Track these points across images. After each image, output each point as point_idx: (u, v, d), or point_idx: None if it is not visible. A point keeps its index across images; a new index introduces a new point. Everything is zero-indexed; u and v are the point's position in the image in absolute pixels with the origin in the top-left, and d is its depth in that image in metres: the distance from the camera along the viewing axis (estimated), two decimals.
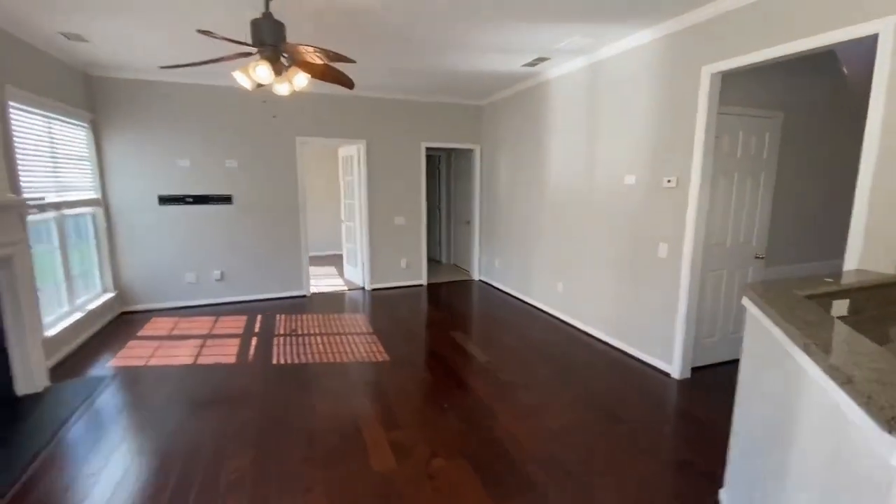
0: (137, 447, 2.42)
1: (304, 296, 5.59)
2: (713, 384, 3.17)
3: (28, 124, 3.42)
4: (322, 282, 6.38)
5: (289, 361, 3.58)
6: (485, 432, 2.55)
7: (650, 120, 3.39)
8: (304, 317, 4.74)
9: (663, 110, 3.27)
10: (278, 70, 2.63)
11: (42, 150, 3.61)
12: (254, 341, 4.01)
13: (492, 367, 3.47)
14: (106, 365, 3.50)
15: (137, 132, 4.71)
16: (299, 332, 4.24)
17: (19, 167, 3.20)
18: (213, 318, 4.69)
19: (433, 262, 7.89)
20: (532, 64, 4.23)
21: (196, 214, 5.04)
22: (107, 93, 4.56)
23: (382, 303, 5.33)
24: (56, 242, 3.82)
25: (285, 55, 2.63)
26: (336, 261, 7.81)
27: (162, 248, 4.98)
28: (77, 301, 4.09)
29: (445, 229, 7.84)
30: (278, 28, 2.59)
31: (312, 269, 7.10)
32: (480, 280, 6.51)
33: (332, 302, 5.37)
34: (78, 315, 3.94)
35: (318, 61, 2.58)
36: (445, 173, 7.69)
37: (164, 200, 4.90)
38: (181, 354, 3.71)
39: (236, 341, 4.01)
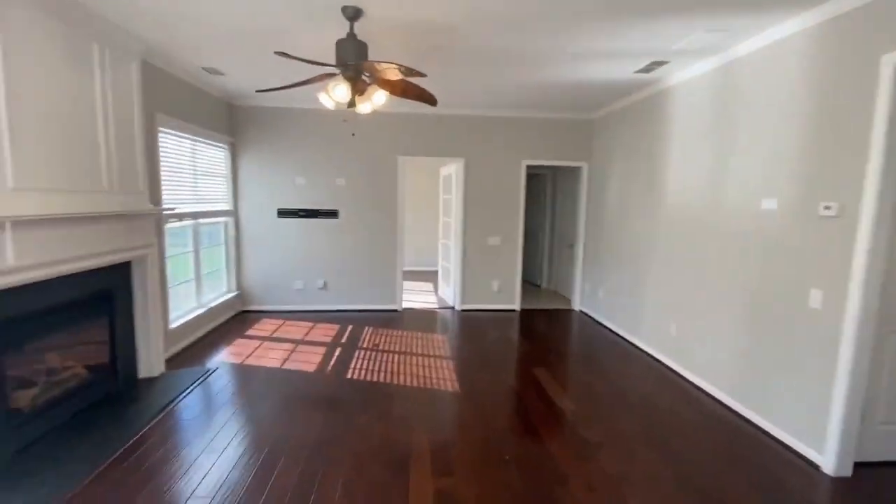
0: (213, 426, 2.58)
1: (395, 310, 5.67)
2: (888, 491, 2.26)
3: (175, 145, 4.04)
4: (416, 297, 6.43)
5: (362, 377, 3.57)
6: (548, 500, 2.15)
7: (800, 128, 2.64)
8: (389, 332, 4.77)
9: (820, 116, 2.51)
10: (360, 89, 2.65)
11: (185, 167, 4.24)
12: (337, 352, 4.13)
13: (575, 417, 3.00)
14: (213, 359, 3.90)
15: (266, 153, 5.31)
16: (380, 348, 4.25)
17: (163, 181, 3.78)
18: (310, 325, 4.99)
19: (531, 285, 7.46)
20: (646, 70, 3.69)
21: (306, 227, 5.48)
22: (244, 118, 5.25)
23: (469, 325, 5.12)
24: (191, 246, 4.44)
25: (366, 74, 2.64)
26: (434, 278, 7.86)
27: (277, 256, 5.50)
28: (203, 298, 4.69)
29: (547, 252, 7.37)
30: (360, 48, 2.62)
31: (410, 284, 7.23)
32: (581, 311, 5.91)
33: (420, 319, 5.33)
34: (201, 311, 4.51)
35: (396, 76, 2.53)
36: (550, 192, 7.25)
37: (282, 213, 5.42)
38: (273, 357, 3.96)
39: (322, 350, 4.17)
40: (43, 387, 2.70)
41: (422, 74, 2.35)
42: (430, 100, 2.96)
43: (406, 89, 2.85)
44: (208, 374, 3.56)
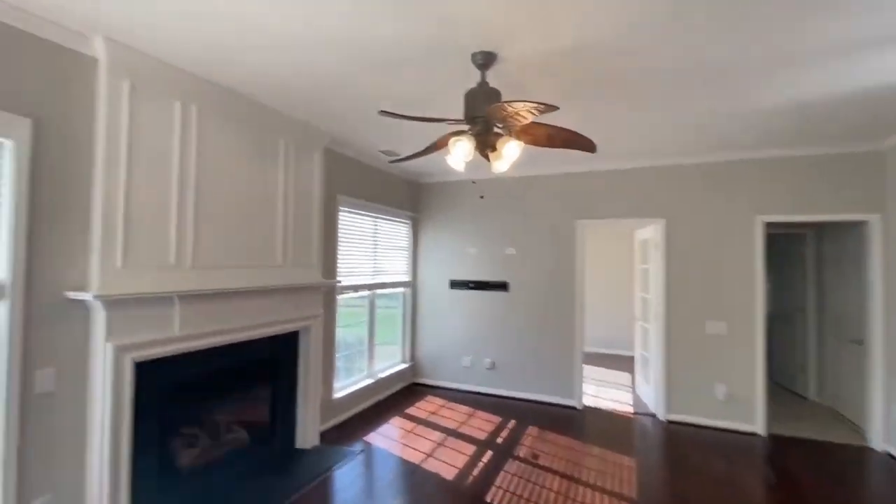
0: None
1: (573, 407, 4.61)
2: None
3: (356, 222, 4.37)
4: (604, 392, 5.17)
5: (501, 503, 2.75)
6: None
7: None
8: (558, 439, 3.77)
9: None
10: (491, 143, 2.18)
11: (366, 241, 4.53)
12: (486, 456, 3.41)
13: None
14: (369, 435, 3.74)
15: (442, 224, 5.36)
16: (539, 463, 3.33)
17: (340, 255, 4.06)
18: (470, 411, 4.44)
19: (787, 393, 5.14)
20: None
21: (476, 300, 5.15)
22: (426, 194, 5.48)
23: (678, 449, 3.64)
24: (366, 316, 4.62)
25: (498, 125, 2.16)
26: (630, 365, 6.33)
27: (448, 329, 5.30)
28: (375, 368, 4.75)
29: (814, 345, 5.03)
30: (491, 97, 2.18)
31: (597, 372, 5.99)
32: (887, 452, 3.58)
33: (603, 426, 4.13)
34: (369, 381, 4.54)
35: (528, 118, 1.96)
36: (813, 259, 5.07)
37: (454, 285, 5.27)
38: (421, 448, 3.54)
39: (471, 449, 3.53)
40: (204, 447, 2.91)
41: (553, 108, 1.72)
42: (585, 145, 2.25)
43: (551, 136, 2.24)
44: (352, 457, 3.36)
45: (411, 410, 4.44)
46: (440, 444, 3.61)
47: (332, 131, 3.62)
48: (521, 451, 3.51)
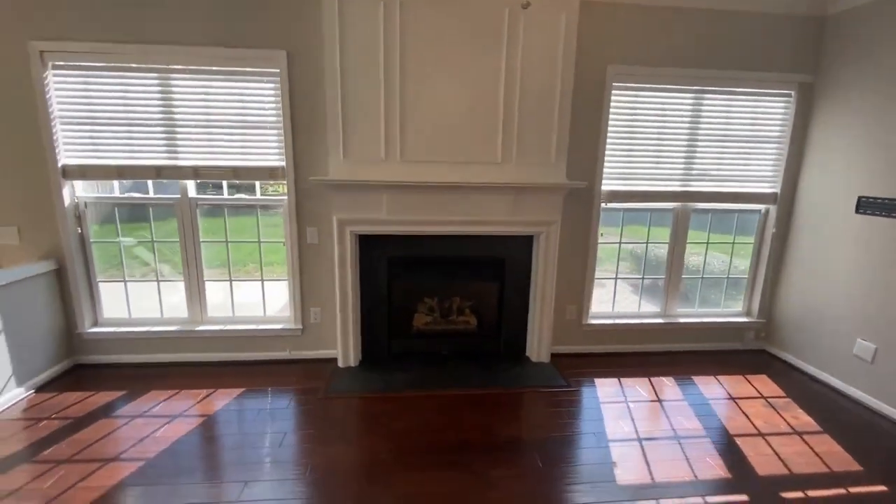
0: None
1: None
2: None
3: (645, 103, 3.13)
4: None
5: None
6: None
7: None
8: None
9: None
10: None
11: (668, 130, 3.19)
12: None
13: None
14: (601, 386, 3.07)
15: (871, 93, 2.83)
16: None
17: (609, 151, 3.14)
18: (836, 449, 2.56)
19: None
20: None
21: None
22: (840, 38, 3.00)
23: None
24: (669, 236, 3.42)
25: None
26: None
27: (836, 284, 3.03)
28: (671, 306, 3.54)
29: None
30: None
31: None
32: None
33: None
34: (654, 319, 3.48)
35: None
36: None
37: (866, 206, 2.82)
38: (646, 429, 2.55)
39: None
40: (435, 319, 3.41)
41: None
42: None
43: None
44: (568, 392, 2.90)
45: (712, 385, 3.09)
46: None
47: None
48: None
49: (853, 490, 2.05)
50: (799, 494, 2.01)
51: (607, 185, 3.21)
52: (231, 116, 2.88)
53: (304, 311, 3.19)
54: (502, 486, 2.02)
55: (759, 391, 2.94)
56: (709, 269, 3.63)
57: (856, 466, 2.22)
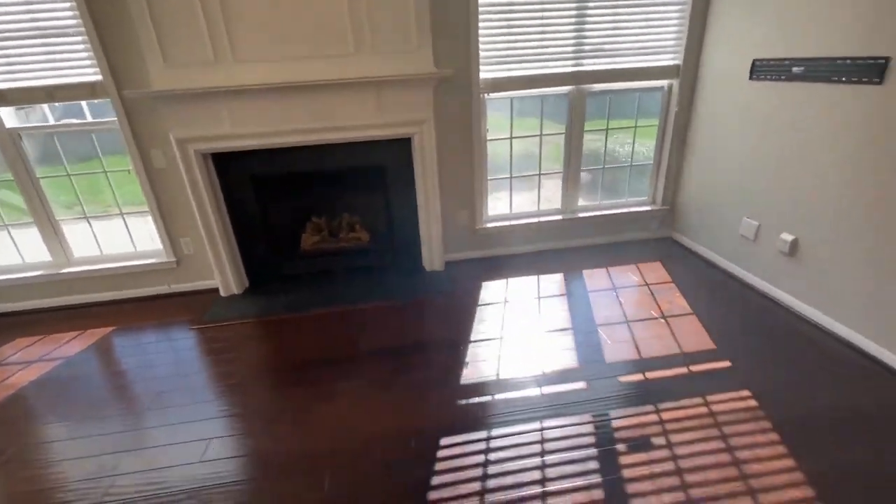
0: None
1: None
2: None
3: None
4: None
5: None
6: None
7: None
8: None
9: None
10: None
11: (552, 3, 2.77)
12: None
13: None
14: (487, 285, 3.00)
15: None
16: None
17: (482, 31, 2.74)
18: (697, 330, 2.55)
19: None
20: None
21: (797, 104, 2.34)
22: None
23: None
24: (565, 125, 3.14)
25: None
26: None
27: (726, 160, 2.86)
28: (572, 200, 3.39)
29: None
30: None
31: None
32: None
33: None
34: (552, 217, 3.34)
35: None
36: None
37: (760, 71, 2.54)
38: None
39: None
40: (324, 238, 3.24)
41: None
42: None
43: None
44: (449, 297, 2.84)
45: (607, 272, 3.04)
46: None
47: None
48: None
49: (695, 368, 2.07)
50: (638, 377, 2.03)
51: (487, 73, 2.86)
52: (22, 24, 2.40)
53: (174, 242, 2.98)
54: (340, 397, 2.01)
55: (644, 279, 2.91)
56: (614, 158, 3.42)
57: (710, 345, 2.23)
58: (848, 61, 2.05)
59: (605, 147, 3.30)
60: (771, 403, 1.83)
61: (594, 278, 2.96)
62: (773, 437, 1.68)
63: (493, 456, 1.66)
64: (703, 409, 1.82)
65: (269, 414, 1.94)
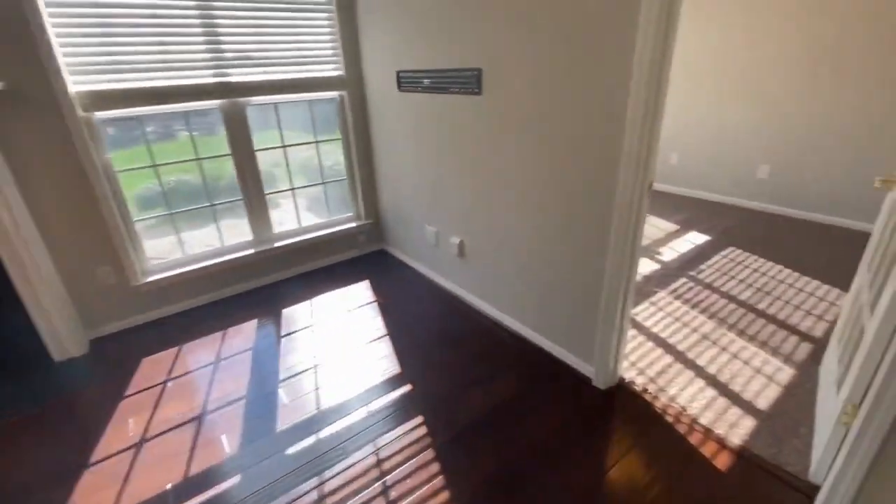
0: None
1: (589, 381, 1.99)
2: None
3: None
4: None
5: None
6: None
7: None
8: None
9: None
10: None
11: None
12: None
13: None
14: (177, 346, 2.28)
15: None
16: None
17: (60, 36, 1.99)
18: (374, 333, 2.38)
19: None
20: None
21: (436, 115, 2.43)
22: None
23: None
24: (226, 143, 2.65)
25: None
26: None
27: (406, 170, 2.88)
28: (269, 229, 2.97)
29: None
30: None
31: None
32: None
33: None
34: (250, 251, 2.85)
35: None
36: None
37: (404, 82, 2.56)
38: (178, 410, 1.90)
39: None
40: None
41: None
42: None
43: None
44: (81, 396, 2.00)
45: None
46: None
47: None
48: None
49: (375, 405, 1.89)
50: (311, 440, 1.72)
51: (80, 85, 2.12)
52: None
53: None
54: None
55: (348, 305, 2.69)
56: (308, 175, 3.12)
57: (397, 369, 2.11)
58: (456, 72, 2.17)
59: (287, 164, 2.95)
60: (438, 427, 1.77)
61: (294, 316, 2.59)
62: (434, 466, 1.59)
63: None
64: (373, 459, 1.62)
65: None
